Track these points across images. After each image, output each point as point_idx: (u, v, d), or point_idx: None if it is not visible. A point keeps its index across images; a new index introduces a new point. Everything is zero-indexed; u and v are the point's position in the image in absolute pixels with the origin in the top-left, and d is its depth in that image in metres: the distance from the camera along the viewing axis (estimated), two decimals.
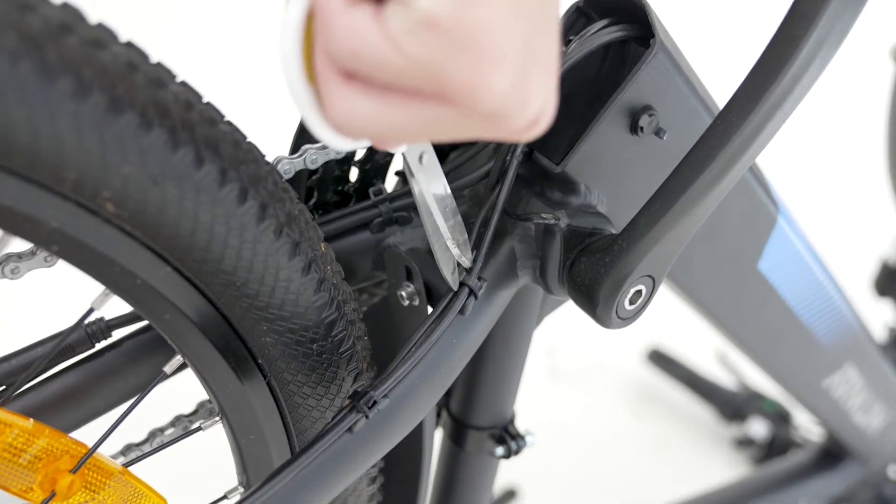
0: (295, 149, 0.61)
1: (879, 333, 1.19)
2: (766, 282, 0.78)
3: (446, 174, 0.56)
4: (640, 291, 0.58)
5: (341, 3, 0.34)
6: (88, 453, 0.56)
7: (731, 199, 0.68)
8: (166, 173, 0.44)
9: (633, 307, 0.58)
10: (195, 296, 0.51)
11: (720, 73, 1.00)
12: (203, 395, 0.61)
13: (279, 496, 0.52)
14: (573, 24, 0.60)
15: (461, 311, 0.57)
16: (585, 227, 0.60)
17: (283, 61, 0.37)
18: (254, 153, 0.50)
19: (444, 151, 0.67)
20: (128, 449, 0.67)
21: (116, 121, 0.41)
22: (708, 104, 0.62)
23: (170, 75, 0.46)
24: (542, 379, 1.64)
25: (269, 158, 0.54)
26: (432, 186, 0.50)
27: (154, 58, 0.46)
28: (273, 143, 0.65)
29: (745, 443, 1.54)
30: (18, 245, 0.49)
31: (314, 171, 0.63)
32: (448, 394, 0.78)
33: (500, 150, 0.60)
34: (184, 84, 0.47)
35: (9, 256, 0.53)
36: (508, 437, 0.77)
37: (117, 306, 0.53)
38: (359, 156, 0.65)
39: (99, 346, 0.61)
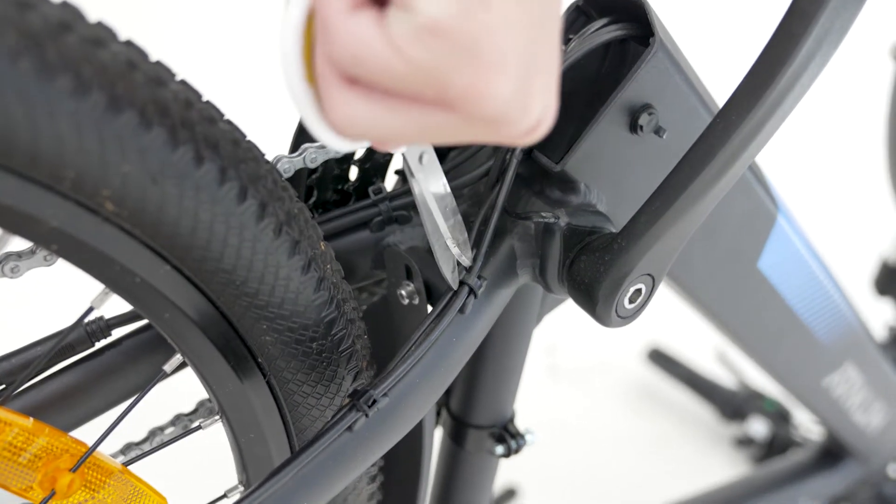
0: (294, 147, 0.61)
1: (879, 333, 1.19)
2: (766, 280, 0.78)
3: (446, 173, 0.56)
4: (639, 290, 0.58)
5: (343, 8, 0.34)
6: (88, 452, 0.56)
7: (730, 198, 0.68)
8: (166, 172, 0.44)
9: (632, 306, 0.58)
10: (195, 294, 0.51)
11: (720, 72, 1.00)
12: (203, 393, 0.61)
13: (279, 495, 0.52)
14: (573, 23, 0.60)
15: (461, 310, 0.57)
16: (585, 225, 0.60)
17: (282, 61, 0.37)
18: (253, 152, 0.50)
19: (443, 150, 0.67)
20: (128, 448, 0.67)
21: (116, 119, 0.41)
22: (707, 103, 0.62)
23: (169, 74, 0.46)
24: (541, 378, 1.64)
25: (269, 157, 0.54)
26: (432, 185, 0.50)
27: (153, 56, 0.46)
28: (273, 142, 0.65)
29: (745, 442, 1.54)
30: (18, 244, 0.49)
31: (314, 170, 0.63)
32: (448, 392, 0.78)
33: (500, 149, 0.60)
34: (183, 83, 0.47)
35: (8, 255, 0.53)
36: (508, 436, 0.77)
37: (117, 305, 0.53)
38: (358, 155, 0.65)
39: (99, 344, 0.61)
